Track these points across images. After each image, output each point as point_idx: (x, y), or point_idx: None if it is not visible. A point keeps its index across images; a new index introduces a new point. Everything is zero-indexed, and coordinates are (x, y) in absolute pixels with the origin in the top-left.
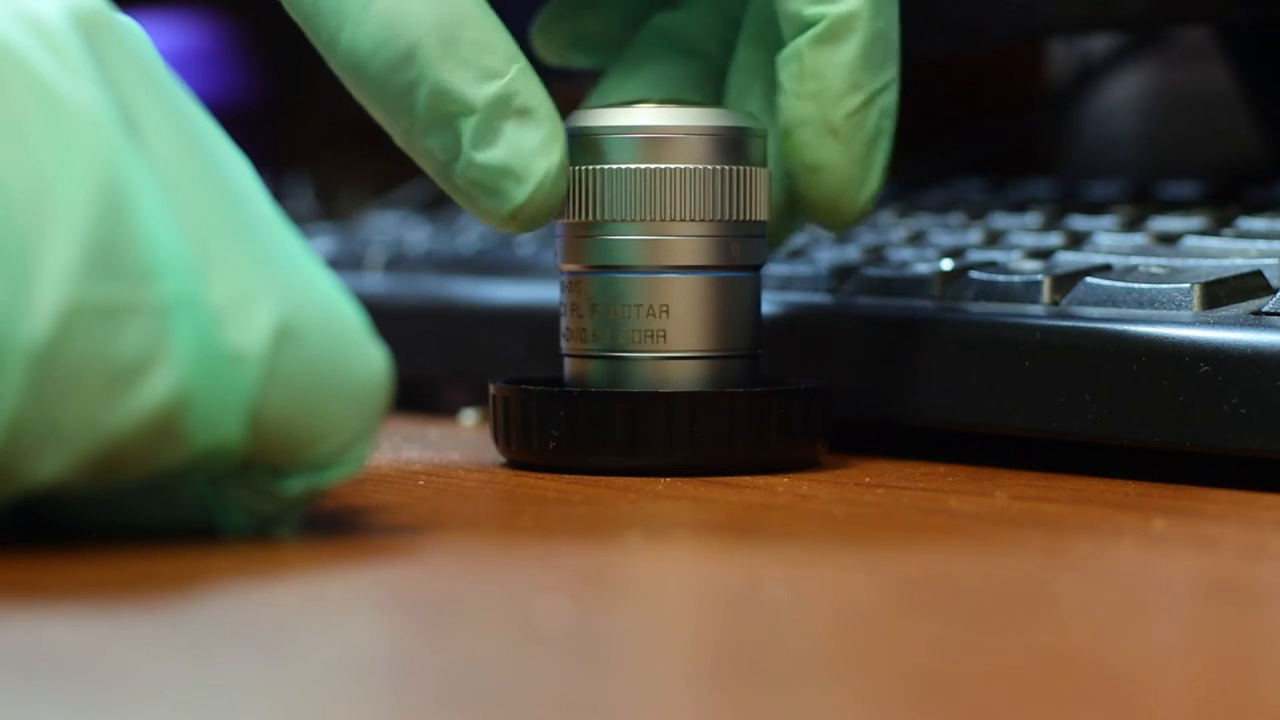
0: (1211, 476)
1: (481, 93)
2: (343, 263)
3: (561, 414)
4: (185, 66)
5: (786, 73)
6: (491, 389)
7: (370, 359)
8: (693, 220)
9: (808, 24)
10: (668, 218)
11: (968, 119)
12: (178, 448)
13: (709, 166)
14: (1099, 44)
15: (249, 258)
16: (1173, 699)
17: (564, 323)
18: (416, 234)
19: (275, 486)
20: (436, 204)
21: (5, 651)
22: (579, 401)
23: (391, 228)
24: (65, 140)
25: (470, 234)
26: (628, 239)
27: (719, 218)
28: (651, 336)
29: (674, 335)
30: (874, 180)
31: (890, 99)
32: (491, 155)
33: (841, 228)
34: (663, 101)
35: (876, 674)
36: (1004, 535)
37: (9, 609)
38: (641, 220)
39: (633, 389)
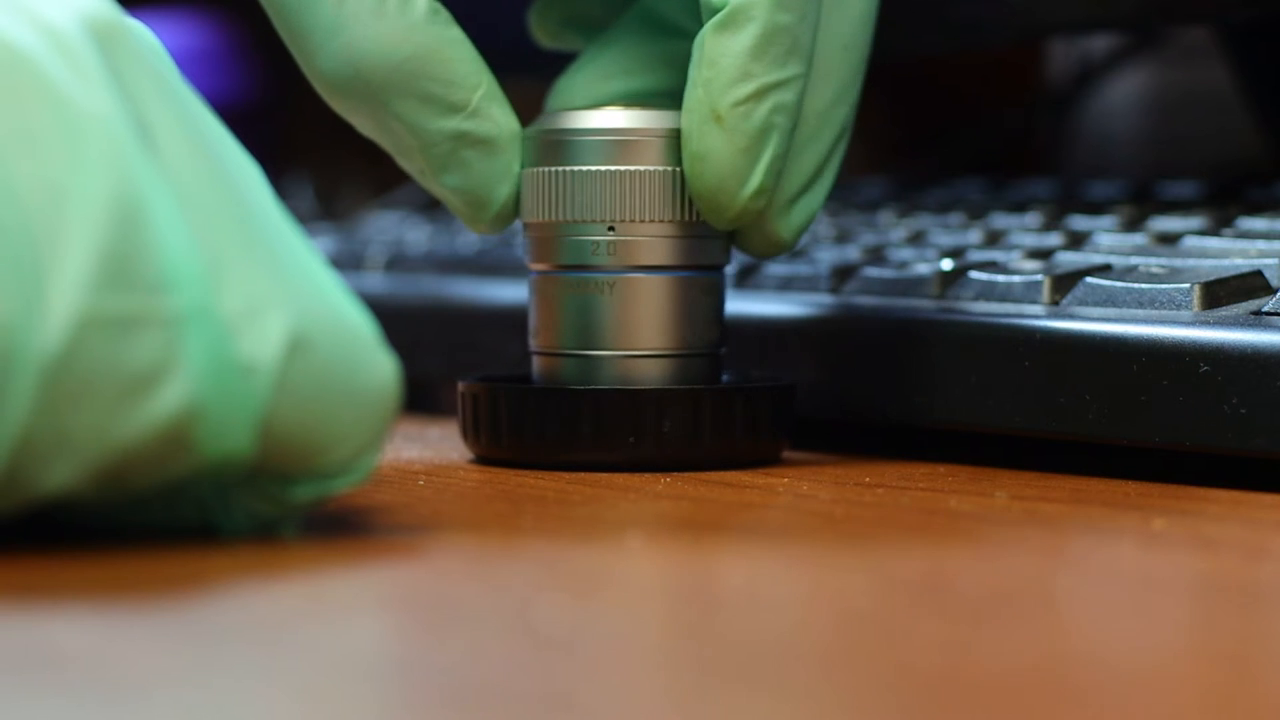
0: (1211, 476)
1: (441, 128)
2: (343, 263)
3: (530, 410)
4: (185, 66)
5: (692, 60)
6: (460, 386)
7: (379, 368)
8: (655, 221)
9: (714, 10)
10: (631, 219)
11: (968, 119)
12: (188, 458)
13: (671, 169)
14: (1099, 44)
15: (261, 267)
16: (1173, 699)
17: (532, 320)
18: (416, 234)
19: (281, 493)
20: (436, 204)
21: (6, 651)
22: (547, 398)
23: (391, 228)
24: (80, 149)
25: (470, 234)
26: (592, 239)
27: (680, 219)
28: (616, 334)
29: (638, 334)
30: (758, 177)
31: (788, 97)
32: (455, 182)
33: (725, 225)
34: (630, 104)
35: (876, 674)
36: (1004, 535)
37: (9, 609)
38: (605, 221)
39: (598, 385)
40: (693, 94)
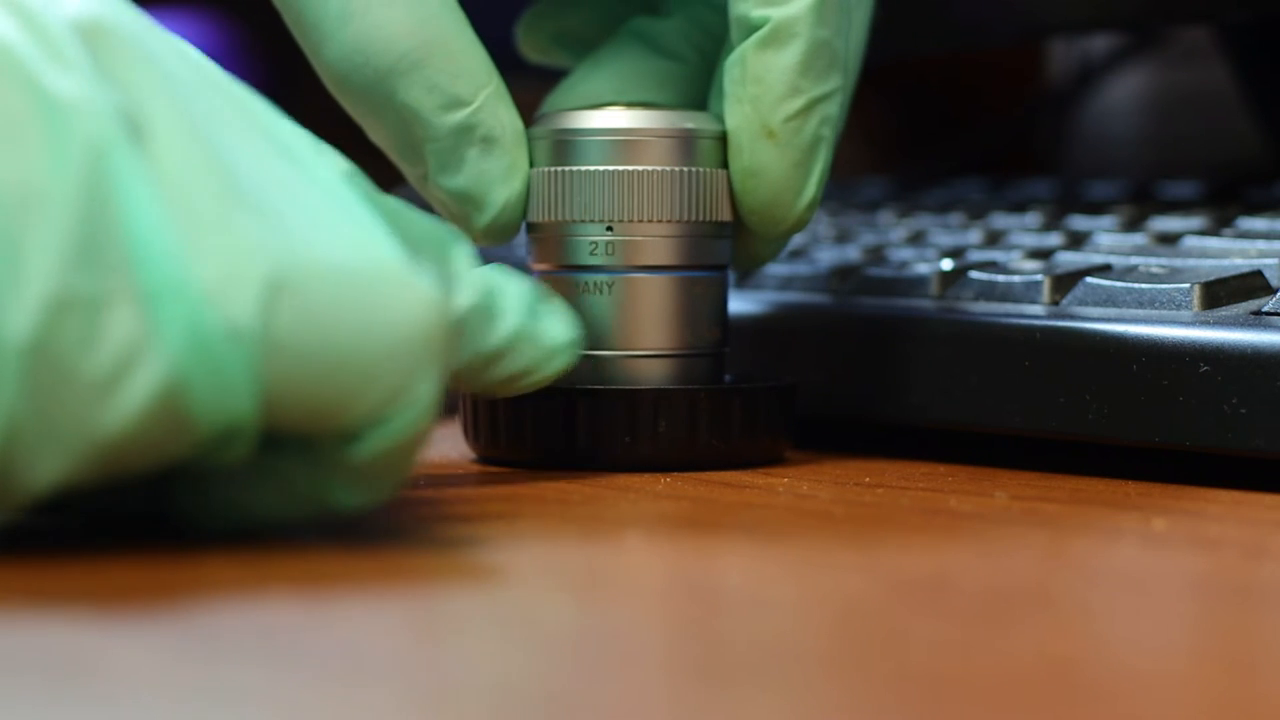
0: (1211, 476)
1: (445, 121)
2: None
3: (529, 410)
4: None
5: (730, 77)
6: None
7: (403, 299)
8: (657, 221)
9: (753, 27)
10: (632, 219)
11: (968, 119)
12: (185, 433)
13: (672, 169)
14: (1099, 44)
15: (245, 231)
16: (1173, 699)
17: None
18: None
19: (345, 455)
20: None
21: (6, 652)
22: (545, 398)
23: None
24: (54, 136)
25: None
26: (591, 239)
27: (682, 219)
28: (618, 334)
29: (640, 333)
30: (811, 188)
31: (832, 109)
32: (455, 182)
33: (779, 236)
34: (630, 104)
35: (876, 674)
36: (1004, 535)
37: (10, 610)
38: (605, 221)
39: (600, 385)
40: (739, 110)
